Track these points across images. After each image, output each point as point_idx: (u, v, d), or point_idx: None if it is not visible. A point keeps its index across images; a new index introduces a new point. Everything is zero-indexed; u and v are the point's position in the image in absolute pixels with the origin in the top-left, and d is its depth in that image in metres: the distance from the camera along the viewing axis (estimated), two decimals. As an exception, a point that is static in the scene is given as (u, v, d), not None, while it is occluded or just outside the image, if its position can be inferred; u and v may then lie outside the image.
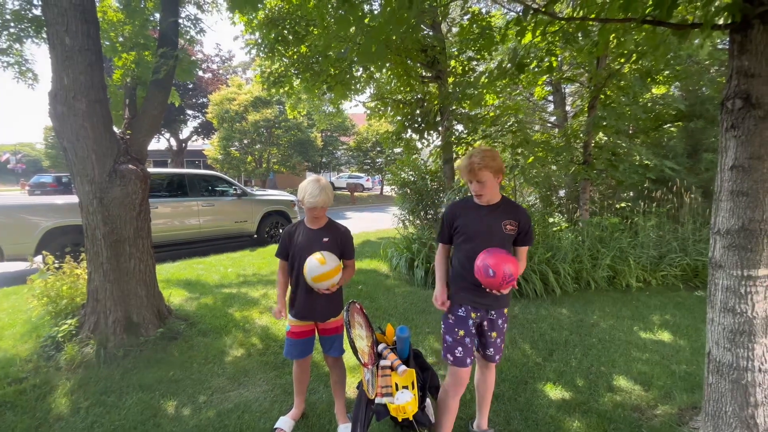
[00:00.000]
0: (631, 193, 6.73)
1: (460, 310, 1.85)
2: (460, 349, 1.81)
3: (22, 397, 2.39)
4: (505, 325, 1.92)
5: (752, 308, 1.80)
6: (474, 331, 1.86)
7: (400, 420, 1.90)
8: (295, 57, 5.81)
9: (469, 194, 1.95)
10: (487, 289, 1.72)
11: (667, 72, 5.28)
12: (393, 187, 7.00)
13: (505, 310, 1.91)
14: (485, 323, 1.87)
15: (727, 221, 1.84)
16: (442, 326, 1.90)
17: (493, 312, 1.86)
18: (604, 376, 2.64)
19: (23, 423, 2.15)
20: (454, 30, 6.99)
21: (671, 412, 2.21)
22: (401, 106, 6.27)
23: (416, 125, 6.03)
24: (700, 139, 6.29)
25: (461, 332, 1.82)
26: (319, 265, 1.85)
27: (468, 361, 1.81)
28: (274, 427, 2.10)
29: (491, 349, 1.90)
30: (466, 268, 1.81)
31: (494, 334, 1.88)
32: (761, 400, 1.82)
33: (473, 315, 1.84)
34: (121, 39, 3.79)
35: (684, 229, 5.26)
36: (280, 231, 7.76)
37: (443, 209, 5.25)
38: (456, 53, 5.93)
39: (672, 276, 4.67)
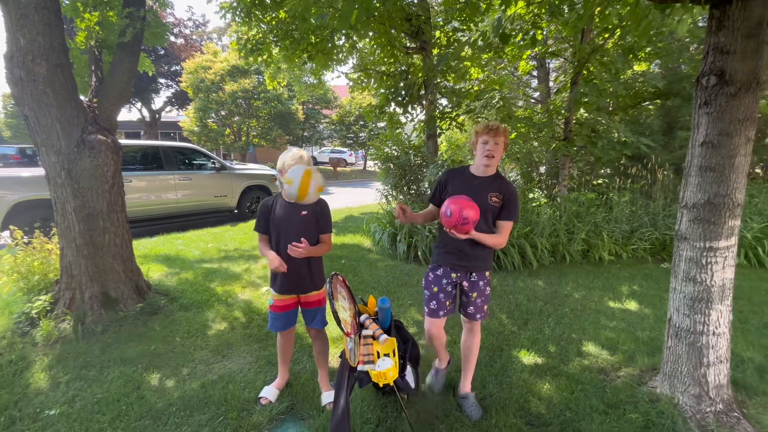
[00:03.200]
0: (609, 170, 6.91)
1: (438, 270, 2.04)
2: (434, 302, 2.03)
3: (-3, 373, 2.35)
4: (488, 288, 2.03)
5: (711, 277, 1.92)
6: (451, 290, 2.04)
7: (381, 385, 1.98)
8: (274, 23, 5.52)
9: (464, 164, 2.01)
10: (447, 230, 1.81)
11: (648, 49, 5.31)
12: (376, 162, 6.93)
13: (487, 273, 2.03)
14: (465, 284, 2.01)
15: (694, 195, 1.93)
16: (424, 281, 2.11)
17: (474, 274, 1.99)
18: (574, 342, 2.80)
19: (1, 398, 2.12)
20: (440, -1, 6.76)
21: (633, 374, 2.38)
22: (385, 77, 6.11)
23: (400, 98, 5.91)
24: (676, 117, 6.45)
25: (435, 288, 2.03)
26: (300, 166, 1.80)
27: (441, 313, 2.03)
28: (259, 396, 2.15)
29: (471, 308, 2.03)
30: (448, 234, 1.88)
31: (474, 294, 2.00)
32: (713, 360, 1.98)
33: (453, 275, 2.01)
34: (81, -3, 3.48)
35: (655, 205, 5.48)
36: (262, 206, 7.64)
37: (426, 183, 5.27)
38: (441, 23, 5.77)
39: (642, 249, 4.90)
